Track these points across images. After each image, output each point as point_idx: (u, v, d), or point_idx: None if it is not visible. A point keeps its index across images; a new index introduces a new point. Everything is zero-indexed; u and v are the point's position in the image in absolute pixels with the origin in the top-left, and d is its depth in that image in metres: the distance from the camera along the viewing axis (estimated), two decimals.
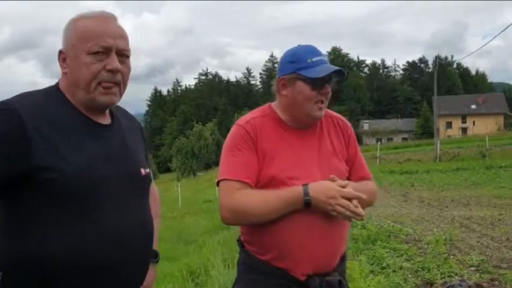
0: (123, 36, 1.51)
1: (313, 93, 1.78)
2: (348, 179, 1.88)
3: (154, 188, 1.85)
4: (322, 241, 1.76)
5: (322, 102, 1.81)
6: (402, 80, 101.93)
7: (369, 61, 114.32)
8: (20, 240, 1.37)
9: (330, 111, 1.98)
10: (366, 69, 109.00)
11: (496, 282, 4.31)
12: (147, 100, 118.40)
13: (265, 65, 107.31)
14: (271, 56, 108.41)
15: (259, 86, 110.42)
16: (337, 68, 1.78)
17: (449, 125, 75.12)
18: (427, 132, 70.01)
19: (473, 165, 20.52)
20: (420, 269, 4.86)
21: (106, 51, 1.45)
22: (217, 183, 1.81)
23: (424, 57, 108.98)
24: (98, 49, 1.44)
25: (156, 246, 1.77)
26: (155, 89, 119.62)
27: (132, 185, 1.52)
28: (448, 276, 4.51)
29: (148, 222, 1.60)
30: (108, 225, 1.41)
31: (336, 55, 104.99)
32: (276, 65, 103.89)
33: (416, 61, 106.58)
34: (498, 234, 6.67)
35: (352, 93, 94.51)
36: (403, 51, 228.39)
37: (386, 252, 5.63)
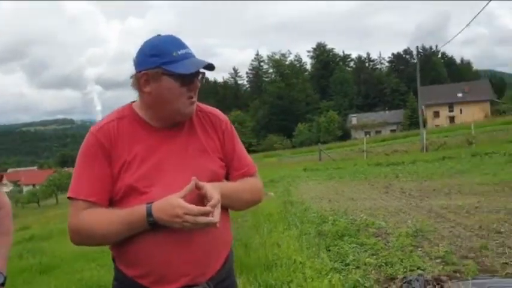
0: None
1: (183, 89, 1.58)
2: (228, 177, 1.74)
3: (5, 201, 1.65)
4: (185, 251, 1.55)
5: (192, 97, 1.62)
6: (388, 72, 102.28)
7: (354, 55, 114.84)
8: None
9: (203, 106, 1.77)
10: (351, 64, 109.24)
11: (458, 274, 4.06)
12: None
13: (252, 64, 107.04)
14: (257, 54, 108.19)
15: (247, 86, 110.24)
16: (207, 62, 1.60)
17: (436, 114, 75.40)
18: (414, 123, 70.03)
19: (460, 153, 20.39)
20: (384, 264, 4.59)
21: None
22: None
23: (408, 48, 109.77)
24: None
25: (3, 267, 1.54)
26: None
27: None
28: (410, 270, 4.27)
29: None
30: None
31: (321, 51, 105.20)
32: (261, 64, 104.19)
33: (401, 53, 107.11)
34: (472, 223, 6.43)
35: (339, 88, 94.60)
36: (388, 43, 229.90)
37: (352, 248, 5.38)
